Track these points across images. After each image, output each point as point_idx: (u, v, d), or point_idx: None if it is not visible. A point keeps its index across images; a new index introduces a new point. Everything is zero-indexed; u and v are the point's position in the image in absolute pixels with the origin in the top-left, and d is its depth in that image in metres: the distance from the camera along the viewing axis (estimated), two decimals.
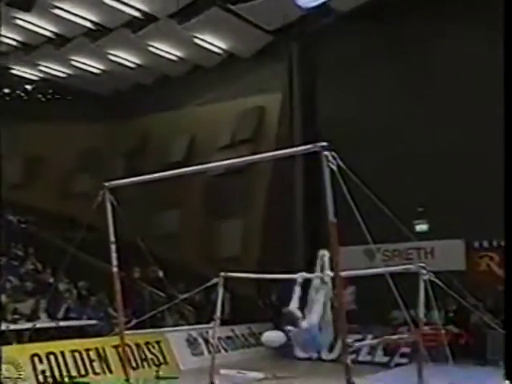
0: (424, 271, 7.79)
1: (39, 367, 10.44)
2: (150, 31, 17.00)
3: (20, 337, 11.37)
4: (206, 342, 13.61)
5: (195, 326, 13.33)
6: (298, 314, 6.45)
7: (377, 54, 16.14)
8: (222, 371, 11.13)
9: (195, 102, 20.41)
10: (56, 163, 21.87)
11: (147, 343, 12.60)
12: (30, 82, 21.75)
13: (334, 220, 5.92)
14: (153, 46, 18.13)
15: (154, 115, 21.23)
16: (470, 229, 14.15)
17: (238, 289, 15.35)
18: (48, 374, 10.49)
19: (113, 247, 8.17)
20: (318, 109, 17.75)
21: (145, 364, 12.30)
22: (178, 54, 18.86)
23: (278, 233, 17.07)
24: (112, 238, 8.15)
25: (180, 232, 19.71)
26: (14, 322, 11.88)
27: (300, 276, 7.29)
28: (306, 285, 7.01)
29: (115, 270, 8.19)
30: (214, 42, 18.04)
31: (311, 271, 7.27)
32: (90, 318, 13.29)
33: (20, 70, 20.32)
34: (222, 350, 14.05)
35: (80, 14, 16.33)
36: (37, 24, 16.88)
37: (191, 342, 13.72)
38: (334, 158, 5.86)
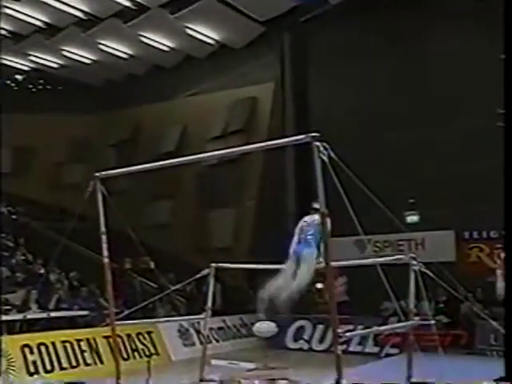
0: (414, 262, 7.81)
1: (30, 358, 10.49)
2: (141, 21, 16.85)
3: (11, 328, 11.35)
4: (198, 332, 13.65)
5: (187, 317, 13.30)
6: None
7: (369, 44, 16.10)
8: (214, 362, 11.14)
9: (187, 92, 20.33)
10: (47, 154, 21.77)
11: (138, 334, 12.63)
12: (20, 72, 21.55)
13: (326, 211, 5.93)
14: (144, 36, 17.97)
15: (146, 106, 21.11)
16: (459, 220, 14.26)
17: (229, 279, 15.38)
18: (39, 364, 10.51)
19: (104, 238, 8.14)
20: (310, 99, 17.70)
21: (136, 355, 12.34)
22: (170, 44, 18.72)
23: (269, 223, 17.08)
24: (103, 229, 8.10)
25: (172, 222, 19.69)
26: (5, 312, 11.83)
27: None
28: None
29: (106, 260, 8.17)
30: (205, 33, 17.92)
31: None
32: (81, 309, 13.25)
33: (10, 60, 20.12)
34: (214, 341, 14.10)
35: (71, 3, 16.16)
36: (27, 13, 16.68)
37: (183, 333, 13.76)
38: (325, 148, 5.86)
